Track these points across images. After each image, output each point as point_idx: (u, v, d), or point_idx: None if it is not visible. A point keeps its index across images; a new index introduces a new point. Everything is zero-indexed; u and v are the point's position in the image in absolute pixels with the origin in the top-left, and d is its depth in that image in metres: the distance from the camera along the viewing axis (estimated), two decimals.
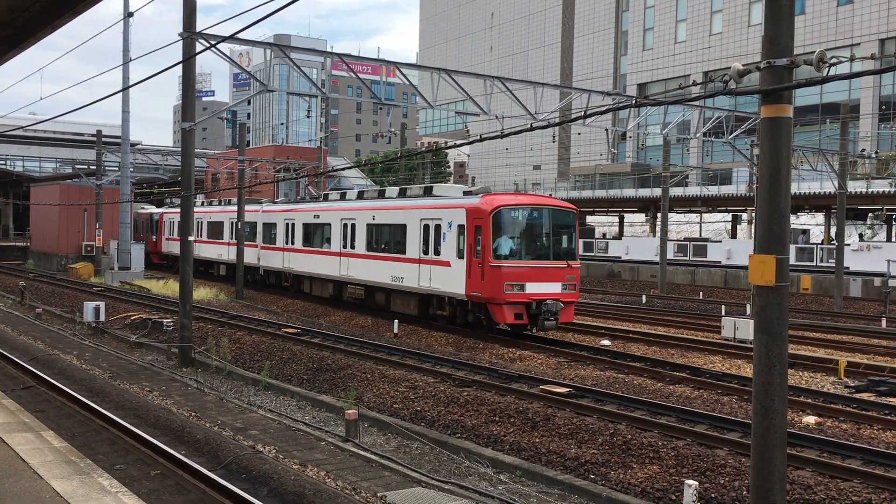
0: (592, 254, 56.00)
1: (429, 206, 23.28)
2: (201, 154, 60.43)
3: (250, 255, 34.46)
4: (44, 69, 40.28)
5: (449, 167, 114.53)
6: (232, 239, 37.41)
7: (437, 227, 22.69)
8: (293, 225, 31.52)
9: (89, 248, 44.97)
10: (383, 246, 25.26)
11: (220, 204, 41.33)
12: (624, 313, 29.48)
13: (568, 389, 14.61)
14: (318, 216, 29.53)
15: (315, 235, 29.63)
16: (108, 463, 10.82)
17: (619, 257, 54.28)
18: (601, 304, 32.44)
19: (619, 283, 47.03)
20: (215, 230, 39.87)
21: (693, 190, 55.23)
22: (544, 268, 21.01)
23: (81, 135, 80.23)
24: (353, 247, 26.88)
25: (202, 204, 43.88)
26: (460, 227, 21.73)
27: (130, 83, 39.78)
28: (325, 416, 14.42)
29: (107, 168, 49.81)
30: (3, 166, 67.46)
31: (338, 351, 19.32)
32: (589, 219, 69.35)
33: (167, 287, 34.96)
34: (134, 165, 49.44)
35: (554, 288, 21.03)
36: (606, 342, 21.92)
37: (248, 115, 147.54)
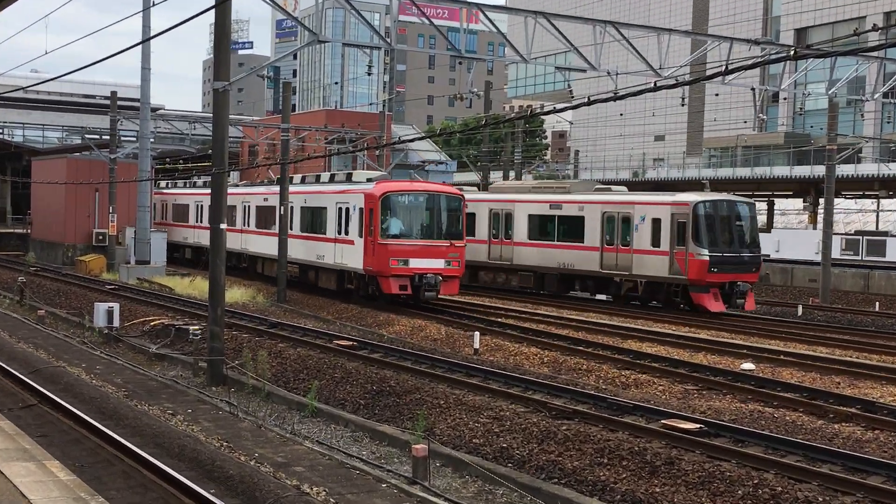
0: None
1: (342, 192, 33.00)
2: (236, 121, 61.88)
3: (233, 240, 40.06)
4: (49, 16, 41.73)
5: (546, 137, 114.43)
6: (245, 225, 42.19)
7: (347, 211, 32.27)
8: (248, 208, 41.46)
9: (101, 237, 46.15)
10: (312, 227, 35.27)
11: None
12: (773, 328, 28.86)
13: (698, 426, 14.42)
14: (266, 199, 39.36)
15: (263, 218, 39.81)
16: (124, 501, 11.20)
17: (768, 255, 53.03)
18: (742, 316, 31.87)
19: (768, 288, 46.05)
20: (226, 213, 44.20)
21: (868, 168, 53.69)
22: (428, 246, 30.43)
23: (93, 97, 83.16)
24: (292, 228, 35.82)
25: (203, 184, 48.53)
26: (360, 210, 31.23)
27: (152, 34, 40.94)
28: (386, 452, 14.61)
29: (123, 139, 51.31)
30: (0, 136, 70.09)
31: (403, 370, 19.54)
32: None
33: (194, 286, 35.97)
34: (155, 135, 50.73)
35: (437, 264, 30.38)
36: (749, 365, 21.64)
37: (294, 72, 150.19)
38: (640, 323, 29.19)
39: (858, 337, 27.48)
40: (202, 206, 47.13)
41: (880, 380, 20.14)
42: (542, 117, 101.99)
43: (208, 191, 32.18)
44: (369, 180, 32.58)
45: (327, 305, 32.54)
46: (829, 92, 28.45)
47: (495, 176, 67.35)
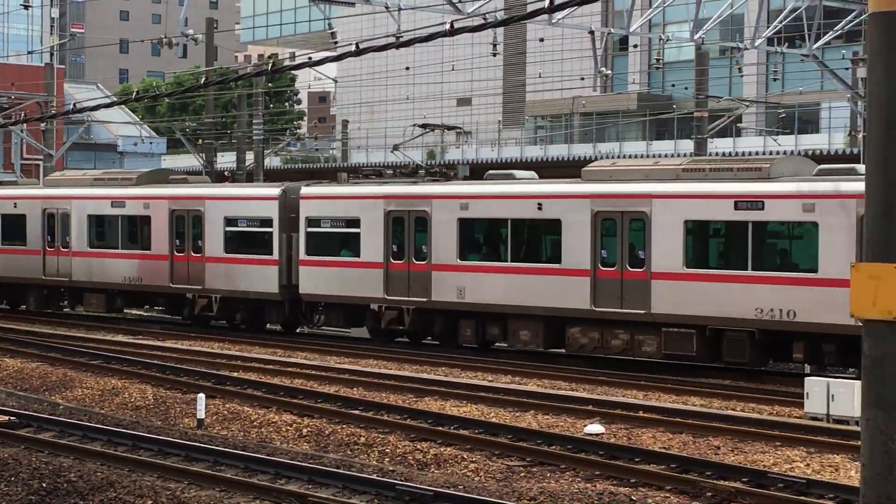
0: None
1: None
2: None
3: None
4: None
5: (300, 102, 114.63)
6: None
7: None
8: None
9: None
10: None
11: None
12: (628, 372, 29.90)
13: None
14: None
15: None
16: None
17: None
18: (583, 357, 32.89)
19: None
20: None
21: (752, 142, 56.63)
22: None
23: None
24: None
25: None
26: None
27: None
28: None
29: None
30: None
31: (90, 456, 19.09)
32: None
33: None
34: None
35: None
36: (597, 427, 22.25)
37: None
38: (442, 372, 29.62)
39: (743, 381, 28.81)
40: None
41: (772, 441, 21.07)
42: (293, 72, 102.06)
43: None
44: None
45: None
46: (696, 37, 29.84)
47: (226, 159, 66.77)
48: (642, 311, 29.89)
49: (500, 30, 54.80)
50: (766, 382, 28.57)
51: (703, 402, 25.80)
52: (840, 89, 43.22)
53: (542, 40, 61.64)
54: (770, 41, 35.20)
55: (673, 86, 69.54)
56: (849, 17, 31.74)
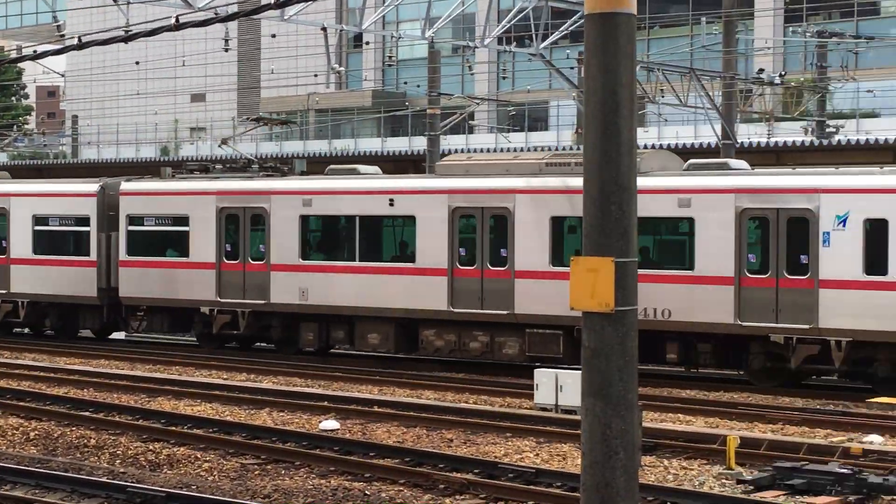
0: None
1: None
2: None
3: None
4: None
5: (27, 96, 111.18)
6: None
7: None
8: None
9: None
10: None
11: None
12: (364, 367, 30.28)
13: None
14: None
15: None
16: None
17: None
18: (337, 355, 32.97)
19: None
20: None
21: (484, 139, 57.54)
22: None
23: None
24: None
25: None
26: None
27: None
28: None
29: None
30: None
31: None
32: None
33: None
34: None
35: None
36: (332, 423, 22.42)
37: None
38: (176, 371, 29.27)
39: (477, 374, 29.44)
40: None
41: (504, 432, 21.56)
42: (20, 65, 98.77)
43: None
44: None
45: None
46: (428, 34, 30.16)
47: None
48: (505, 312, 28.98)
49: (234, 25, 54.34)
50: (499, 375, 29.13)
51: (437, 395, 26.24)
52: (566, 88, 44.40)
53: (273, 36, 61.46)
54: (500, 40, 35.82)
55: (406, 83, 70.18)
56: (574, 18, 32.56)
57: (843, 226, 25.61)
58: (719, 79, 38.43)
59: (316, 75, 59.46)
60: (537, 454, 19.84)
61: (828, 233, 25.64)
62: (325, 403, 24.43)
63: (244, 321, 32.02)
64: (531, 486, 17.08)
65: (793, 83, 49.38)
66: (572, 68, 42.79)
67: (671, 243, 28.91)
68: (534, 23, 32.56)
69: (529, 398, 24.59)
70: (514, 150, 46.30)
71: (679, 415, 23.56)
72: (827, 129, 45.10)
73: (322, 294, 30.78)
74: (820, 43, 46.97)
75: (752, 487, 17.15)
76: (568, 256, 27.79)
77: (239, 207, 32.33)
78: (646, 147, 40.37)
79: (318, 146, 66.30)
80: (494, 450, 20.14)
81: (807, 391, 26.77)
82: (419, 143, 54.85)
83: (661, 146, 44.02)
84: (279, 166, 34.45)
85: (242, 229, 32.22)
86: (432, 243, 29.63)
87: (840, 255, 25.62)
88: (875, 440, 20.51)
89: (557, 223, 29.03)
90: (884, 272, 25.22)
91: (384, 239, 31.62)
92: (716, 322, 26.69)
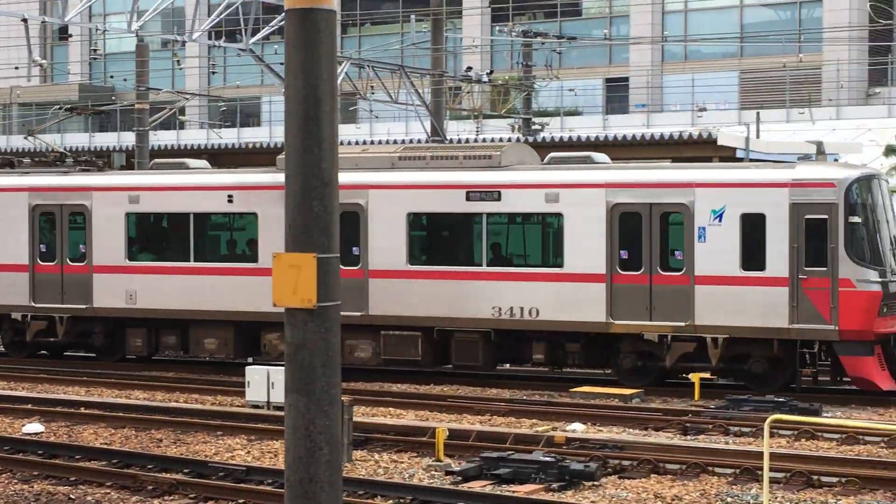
0: None
1: None
2: None
3: None
4: None
5: None
6: None
7: None
8: None
9: None
10: None
11: None
12: (70, 369, 29.55)
13: None
14: None
15: None
16: None
17: None
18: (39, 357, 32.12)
19: None
20: None
21: (194, 135, 56.97)
22: None
23: None
24: None
25: None
26: None
27: None
28: None
29: None
30: None
31: None
32: None
33: None
34: None
35: None
36: (36, 427, 21.99)
37: None
38: None
39: (185, 372, 29.46)
40: None
41: (214, 431, 21.54)
42: None
43: None
44: None
45: None
46: (134, 27, 29.62)
47: None
48: (358, 314, 27.59)
49: None
50: (209, 373, 28.98)
51: (147, 395, 26.00)
52: (277, 84, 44.03)
53: None
54: (210, 35, 35.45)
55: (112, 77, 68.68)
56: (283, 13, 32.59)
57: (720, 221, 25.42)
58: (428, 76, 39.01)
59: (17, 68, 57.60)
60: (248, 452, 19.90)
61: (703, 228, 25.46)
62: (29, 406, 23.81)
63: (62, 327, 30.17)
64: (241, 485, 17.07)
65: (500, 81, 50.59)
66: (282, 64, 42.75)
67: (538, 240, 28.13)
68: (243, 18, 32.36)
69: (241, 396, 24.52)
70: (361, 143, 44.54)
71: (391, 409, 23.94)
72: (533, 127, 46.25)
73: (152, 297, 29.04)
74: (525, 42, 48.15)
75: (460, 478, 17.51)
76: (428, 254, 28.27)
77: (55, 205, 30.25)
78: (358, 143, 40.59)
79: (22, 141, 64.20)
80: (205, 449, 20.11)
81: (514, 382, 27.50)
82: (128, 139, 53.91)
83: (372, 142, 44.30)
84: (95, 160, 32.63)
85: (60, 228, 30.21)
86: (276, 241, 27.77)
87: (716, 250, 25.41)
88: (577, 428, 21.26)
89: (414, 219, 28.23)
90: (761, 268, 25.11)
91: (224, 237, 30.24)
92: (586, 321, 26.17)
